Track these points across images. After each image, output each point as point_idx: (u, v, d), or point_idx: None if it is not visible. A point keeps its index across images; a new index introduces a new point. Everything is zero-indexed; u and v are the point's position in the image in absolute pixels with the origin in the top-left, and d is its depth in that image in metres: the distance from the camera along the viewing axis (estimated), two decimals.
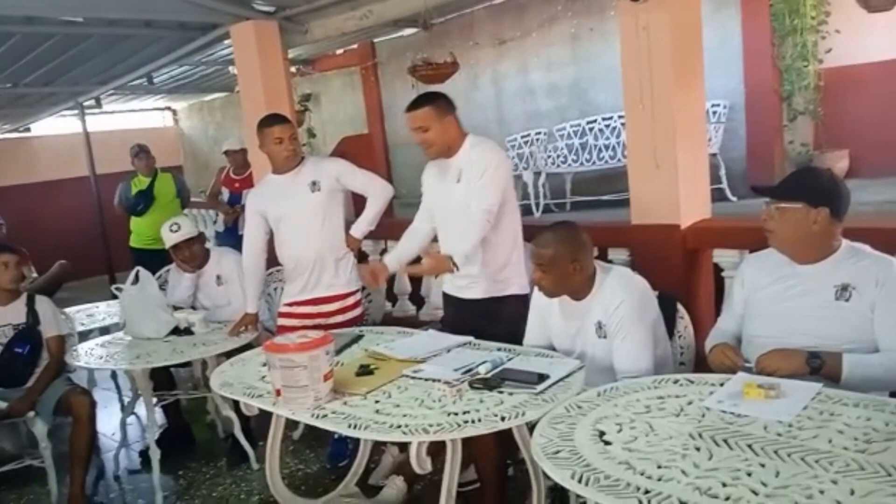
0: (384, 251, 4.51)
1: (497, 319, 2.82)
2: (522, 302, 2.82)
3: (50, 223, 9.64)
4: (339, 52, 8.86)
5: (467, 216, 2.76)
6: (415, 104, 2.85)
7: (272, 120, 3.31)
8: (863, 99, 6.28)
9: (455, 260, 2.67)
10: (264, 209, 3.38)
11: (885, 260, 2.10)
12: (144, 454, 3.67)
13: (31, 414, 3.30)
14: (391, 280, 4.37)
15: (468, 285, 2.92)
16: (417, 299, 4.51)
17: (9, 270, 3.47)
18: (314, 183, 3.29)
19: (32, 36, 5.22)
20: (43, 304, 3.57)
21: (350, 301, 3.42)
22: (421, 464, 2.09)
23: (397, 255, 3.08)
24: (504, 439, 2.39)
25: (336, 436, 3.45)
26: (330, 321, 3.30)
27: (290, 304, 3.43)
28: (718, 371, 2.18)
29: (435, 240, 3.08)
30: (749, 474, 1.54)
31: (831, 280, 2.11)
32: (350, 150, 7.53)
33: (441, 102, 2.85)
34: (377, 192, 3.43)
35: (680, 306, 2.67)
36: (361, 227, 3.46)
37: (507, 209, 2.85)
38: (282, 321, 3.44)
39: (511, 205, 2.89)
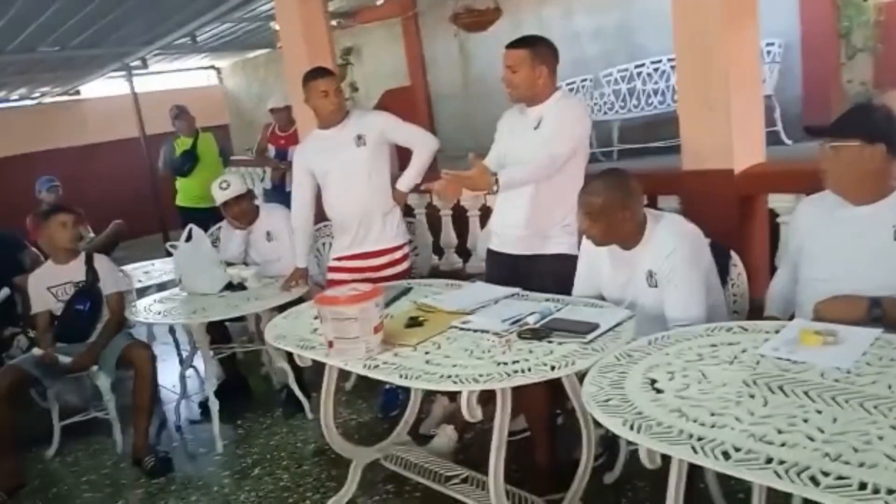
0: (430, 204, 4.50)
1: (541, 277, 2.77)
2: (569, 262, 2.75)
3: (103, 184, 9.88)
4: (380, 2, 8.74)
5: None
6: (515, 42, 2.81)
7: (317, 73, 3.30)
8: None
9: (499, 178, 2.60)
10: (311, 165, 3.39)
11: None
12: (204, 405, 3.80)
13: (95, 368, 3.45)
14: (439, 232, 4.38)
15: (514, 241, 2.88)
16: (464, 252, 4.51)
17: (67, 230, 3.58)
18: (359, 137, 3.28)
19: None
20: (101, 262, 3.68)
21: (398, 255, 3.44)
22: (472, 412, 2.11)
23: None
24: (554, 389, 2.41)
25: (387, 386, 3.52)
26: (379, 275, 3.32)
27: (339, 259, 3.46)
28: None
29: None
30: (805, 421, 1.52)
31: (889, 220, 2.04)
32: (392, 103, 7.49)
33: (542, 49, 2.79)
34: (422, 145, 3.41)
35: (733, 254, 2.61)
36: (407, 180, 3.44)
37: (574, 168, 2.77)
38: (331, 275, 3.48)
39: (579, 166, 2.80)
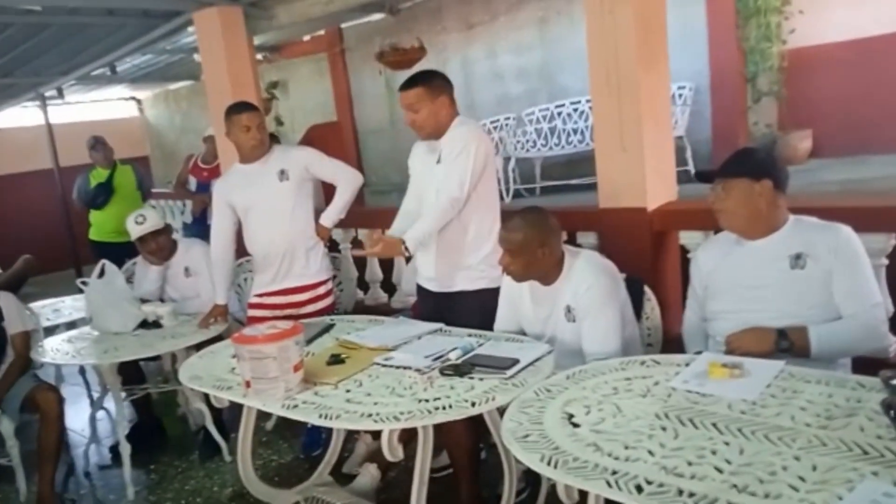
0: (355, 239, 4.48)
1: (469, 313, 2.78)
2: (494, 295, 2.78)
3: (13, 217, 9.45)
4: (306, 38, 8.75)
5: None
6: (408, 83, 2.78)
7: (240, 108, 3.27)
8: (826, 79, 6.37)
9: (407, 244, 2.63)
10: (232, 199, 3.34)
11: (834, 227, 2.16)
12: (115, 449, 3.62)
13: None
14: (363, 267, 4.36)
15: (439, 278, 2.89)
16: (389, 287, 4.50)
17: None
18: (282, 172, 3.26)
19: None
20: (6, 299, 3.49)
21: (321, 290, 3.40)
22: (392, 451, 2.09)
23: (397, 227, 2.95)
24: (475, 424, 2.41)
25: (309, 426, 3.44)
26: (301, 311, 3.28)
27: (261, 295, 3.40)
28: None
29: None
30: (714, 452, 1.57)
31: (784, 251, 2.17)
32: (319, 138, 7.48)
33: (436, 81, 2.78)
34: (346, 181, 3.41)
35: (647, 288, 2.70)
36: (331, 215, 3.42)
37: (485, 198, 2.79)
38: (252, 312, 3.40)
39: (489, 195, 2.82)
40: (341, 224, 3.60)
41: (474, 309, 2.79)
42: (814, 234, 2.16)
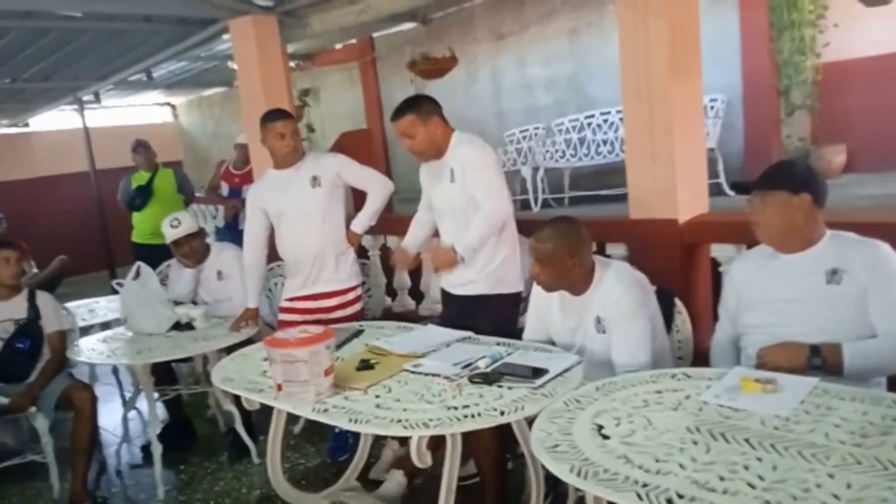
0: (384, 246, 4.52)
1: (487, 317, 2.84)
2: (513, 300, 2.87)
3: (49, 218, 9.64)
4: (338, 46, 8.84)
5: (467, 214, 2.80)
6: (398, 112, 2.87)
7: (275, 115, 3.32)
8: (860, 93, 6.30)
9: (459, 251, 2.74)
10: (265, 204, 3.39)
11: (871, 243, 2.13)
12: (146, 449, 3.69)
13: (33, 409, 3.32)
14: (392, 274, 4.39)
15: (464, 283, 2.94)
16: (417, 294, 4.53)
17: (10, 266, 3.47)
18: (315, 178, 3.30)
19: (31, 31, 5.23)
20: (44, 299, 3.58)
21: (350, 296, 3.44)
22: (421, 458, 2.11)
23: (412, 240, 3.17)
24: (503, 433, 2.42)
25: (336, 430, 3.48)
26: (330, 316, 3.32)
27: (291, 300, 3.44)
28: None
29: (437, 234, 3.11)
30: (746, 468, 1.56)
31: (820, 266, 2.14)
32: (349, 145, 7.51)
33: (424, 106, 2.86)
34: (377, 187, 3.44)
35: (677, 301, 2.69)
36: (362, 222, 3.46)
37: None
38: (283, 316, 3.45)
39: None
40: (370, 231, 3.63)
41: (492, 312, 2.85)
42: (851, 249, 2.13)
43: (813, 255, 2.18)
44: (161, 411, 3.82)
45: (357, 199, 3.75)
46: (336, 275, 3.39)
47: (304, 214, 3.31)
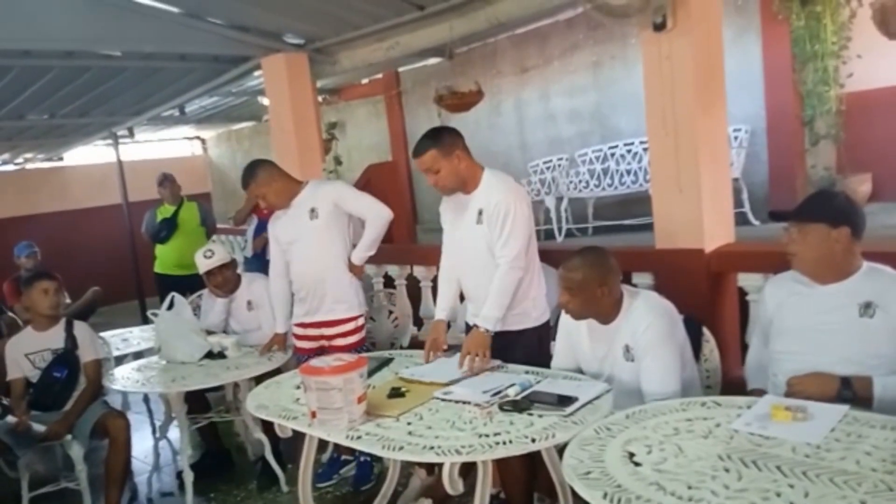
0: (410, 275, 4.57)
1: (514, 352, 2.82)
2: (538, 333, 2.86)
3: (81, 250, 9.81)
4: (365, 81, 9.02)
5: (491, 261, 2.77)
6: (419, 148, 2.81)
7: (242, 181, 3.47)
8: (885, 123, 6.28)
9: (489, 327, 2.70)
10: (278, 235, 3.51)
11: None
12: (180, 476, 3.72)
13: (69, 437, 3.37)
14: (418, 303, 4.43)
15: None
16: None
17: (49, 296, 3.57)
18: (312, 210, 3.37)
19: (70, 69, 5.41)
20: (80, 328, 3.67)
21: (350, 326, 3.46)
22: (453, 485, 2.13)
23: (444, 305, 3.06)
24: (531, 460, 2.44)
25: (361, 459, 3.50)
26: (332, 343, 3.39)
27: (298, 325, 3.53)
28: None
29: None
30: (779, 495, 1.57)
31: (854, 298, 2.15)
32: (375, 177, 7.66)
33: (445, 140, 2.79)
34: (374, 217, 3.43)
35: (705, 329, 2.70)
36: (359, 253, 3.46)
37: (529, 247, 2.83)
38: (297, 343, 3.55)
39: (532, 245, 2.87)
40: (397, 261, 3.68)
41: (518, 347, 2.84)
42: (887, 284, 2.13)
43: (848, 287, 2.18)
44: (195, 439, 3.85)
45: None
46: (336, 305, 3.43)
47: (304, 245, 3.40)
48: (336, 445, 3.51)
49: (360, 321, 3.52)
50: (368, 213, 3.45)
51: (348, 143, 9.99)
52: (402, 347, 3.85)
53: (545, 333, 2.95)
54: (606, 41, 7.46)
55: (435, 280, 4.44)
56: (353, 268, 3.48)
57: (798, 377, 2.12)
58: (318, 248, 3.38)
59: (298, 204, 3.40)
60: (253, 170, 3.38)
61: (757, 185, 6.43)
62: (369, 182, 7.31)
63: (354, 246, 3.47)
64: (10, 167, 10.76)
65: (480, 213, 2.80)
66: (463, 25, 4.55)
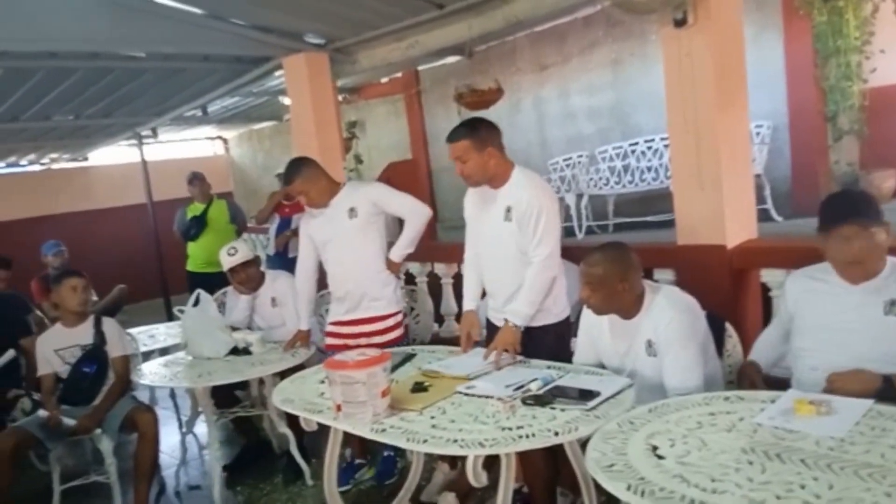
0: (431, 272, 4.60)
1: (534, 348, 2.84)
2: (558, 330, 2.87)
3: (107, 249, 9.95)
4: (384, 80, 9.06)
5: (514, 258, 2.80)
6: (454, 134, 2.82)
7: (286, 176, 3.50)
8: None
9: (518, 322, 2.74)
10: (312, 234, 3.53)
11: None
12: (226, 468, 3.78)
13: (98, 431, 3.45)
14: (439, 299, 4.45)
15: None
16: None
17: (77, 294, 3.65)
18: (352, 209, 3.39)
19: (95, 70, 5.49)
20: (109, 325, 3.74)
21: (390, 322, 3.49)
22: (477, 477, 2.15)
23: (472, 295, 3.07)
24: (554, 457, 2.46)
25: (385, 454, 3.54)
26: (371, 341, 3.40)
27: (335, 324, 3.55)
28: (741, 387, 2.29)
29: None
30: (803, 487, 1.58)
31: (879, 296, 2.15)
32: (395, 175, 7.71)
33: (481, 132, 2.79)
34: (413, 215, 3.47)
35: (728, 325, 2.70)
36: (398, 250, 3.50)
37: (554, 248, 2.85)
38: (328, 340, 3.57)
39: (557, 245, 2.87)
40: (418, 258, 3.71)
41: (539, 344, 2.86)
42: None
43: (874, 285, 2.18)
44: (221, 433, 3.90)
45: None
46: (376, 302, 3.46)
47: (343, 245, 3.42)
48: (350, 449, 3.57)
49: (400, 317, 3.55)
50: (407, 212, 3.48)
51: (368, 141, 10.04)
52: (423, 343, 3.88)
53: (566, 329, 2.97)
54: (625, 38, 7.44)
55: (456, 277, 4.49)
56: (391, 265, 3.51)
57: (839, 374, 2.10)
58: (357, 247, 3.41)
59: (336, 204, 3.42)
60: (298, 167, 3.40)
61: (779, 181, 6.39)
62: (389, 180, 7.31)
63: (390, 244, 3.51)
64: (37, 167, 10.93)
65: (509, 210, 2.82)
66: (481, 24, 4.57)
